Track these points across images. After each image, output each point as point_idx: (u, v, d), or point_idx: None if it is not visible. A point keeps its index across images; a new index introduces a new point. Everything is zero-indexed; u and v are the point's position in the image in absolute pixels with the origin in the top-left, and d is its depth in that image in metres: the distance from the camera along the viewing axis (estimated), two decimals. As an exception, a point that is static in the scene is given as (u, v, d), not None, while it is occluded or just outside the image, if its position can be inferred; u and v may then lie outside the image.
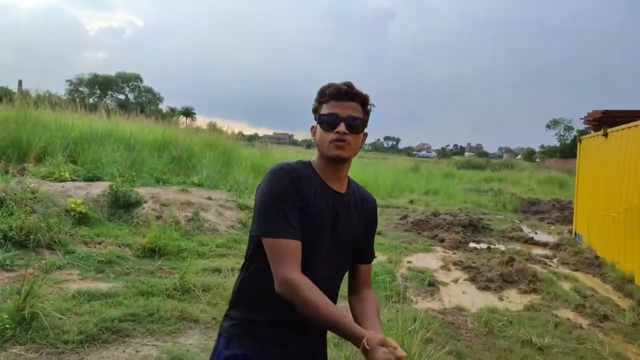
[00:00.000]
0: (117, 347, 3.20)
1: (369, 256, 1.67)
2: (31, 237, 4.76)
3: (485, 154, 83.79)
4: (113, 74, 73.88)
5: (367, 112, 1.55)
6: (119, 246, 5.43)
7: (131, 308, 3.73)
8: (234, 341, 1.46)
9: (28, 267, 4.19)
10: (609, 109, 8.27)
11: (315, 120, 1.54)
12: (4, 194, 5.79)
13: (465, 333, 4.32)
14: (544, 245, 9.60)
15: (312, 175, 1.51)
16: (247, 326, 1.47)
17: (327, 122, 1.48)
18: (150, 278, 4.59)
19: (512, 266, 6.80)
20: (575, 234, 9.85)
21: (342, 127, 1.45)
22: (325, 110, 1.50)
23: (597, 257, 7.81)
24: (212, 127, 16.94)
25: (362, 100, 1.52)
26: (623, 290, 6.21)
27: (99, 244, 5.43)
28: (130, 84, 75.72)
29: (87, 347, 3.11)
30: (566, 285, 6.34)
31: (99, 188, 7.07)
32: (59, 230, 5.15)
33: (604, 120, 8.14)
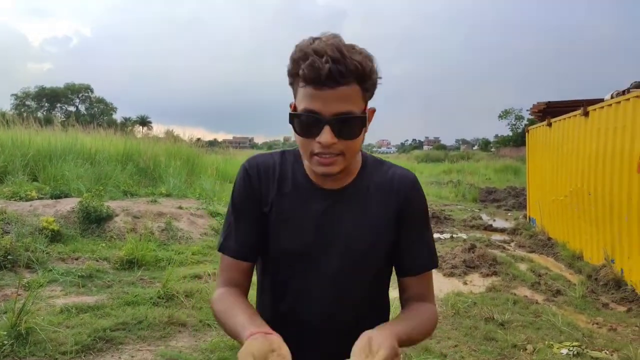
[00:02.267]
0: (112, 355, 3.36)
1: (415, 265, 1.17)
2: (9, 257, 4.79)
3: (443, 147, 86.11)
4: (61, 85, 71.51)
5: (369, 89, 1.02)
6: (97, 260, 5.50)
7: (120, 317, 3.88)
8: None
9: (10, 287, 4.27)
10: (551, 100, 8.95)
11: (290, 111, 1.04)
12: (-29, 217, 5.75)
13: (447, 327, 4.69)
14: (502, 231, 10.23)
15: (292, 169, 1.15)
16: None
17: (303, 126, 1.00)
18: (133, 288, 4.73)
19: (473, 252, 7.26)
20: (529, 218, 10.53)
21: (326, 136, 0.97)
22: (301, 99, 0.99)
23: (549, 239, 8.45)
24: (171, 135, 16.90)
25: (360, 76, 0.97)
26: (573, 267, 6.79)
27: (76, 259, 5.49)
28: (80, 95, 73.44)
29: (84, 357, 3.26)
30: (523, 266, 6.86)
31: (67, 204, 7.06)
32: (35, 249, 5.19)
33: (547, 111, 8.81)
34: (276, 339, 0.91)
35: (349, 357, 0.93)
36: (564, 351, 3.77)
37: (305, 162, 1.13)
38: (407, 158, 48.66)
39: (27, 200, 7.31)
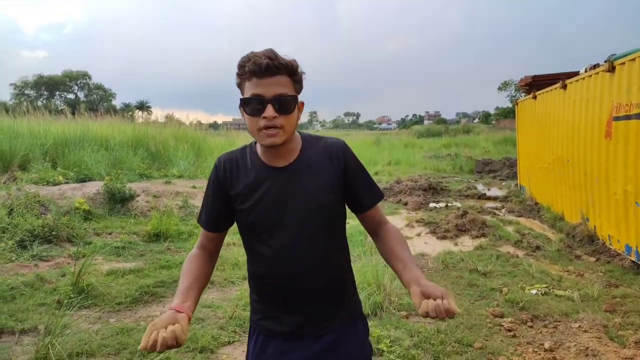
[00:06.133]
0: (157, 305, 4.08)
1: (365, 203, 1.51)
2: (53, 233, 5.48)
3: (443, 121, 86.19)
4: (59, 73, 71.59)
5: (298, 82, 1.37)
6: (128, 234, 6.20)
7: (158, 277, 4.59)
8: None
9: (60, 257, 4.99)
10: (537, 73, 9.50)
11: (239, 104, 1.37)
12: (10, 201, 6.43)
13: (427, 270, 5.39)
14: (495, 199, 10.89)
15: (249, 159, 1.45)
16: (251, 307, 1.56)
17: (251, 107, 1.32)
18: (164, 256, 5.43)
19: (465, 218, 7.94)
20: (520, 186, 11.18)
21: (269, 111, 1.29)
22: (247, 90, 1.33)
23: (536, 204, 9.12)
24: (172, 119, 17.46)
25: (290, 71, 1.33)
26: (555, 227, 7.47)
27: (109, 234, 6.19)
28: (78, 82, 73.51)
29: (135, 307, 3.98)
30: (510, 228, 7.54)
31: (93, 187, 7.73)
32: (73, 226, 5.87)
33: (533, 84, 9.38)
34: (181, 317, 1.22)
35: (324, 316, 1.43)
36: (534, 291, 4.46)
37: (258, 148, 1.45)
38: (407, 133, 48.97)
39: (54, 185, 7.99)
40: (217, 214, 1.49)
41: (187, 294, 1.34)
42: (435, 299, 1.21)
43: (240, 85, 1.36)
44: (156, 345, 1.14)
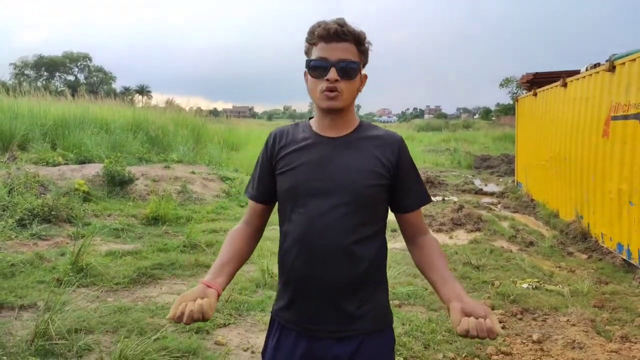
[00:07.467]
0: (154, 286, 4.14)
1: (409, 203, 1.46)
2: (52, 213, 5.53)
3: (444, 116, 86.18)
4: (59, 54, 71.14)
5: (363, 52, 1.38)
6: (126, 217, 6.26)
7: (156, 260, 4.66)
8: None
9: (59, 236, 5.04)
10: (538, 71, 9.52)
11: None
12: (10, 180, 6.46)
13: (421, 262, 5.46)
14: (491, 194, 10.98)
15: (301, 130, 1.47)
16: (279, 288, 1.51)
17: (315, 69, 1.34)
18: (161, 239, 5.49)
19: (461, 212, 8.02)
20: (517, 182, 11.26)
21: (332, 74, 1.31)
22: (314, 54, 1.35)
23: (532, 200, 9.20)
24: (172, 104, 17.46)
25: (357, 39, 1.35)
26: (549, 224, 7.56)
27: (108, 216, 6.25)
28: (79, 64, 73.08)
29: (132, 287, 4.04)
30: (505, 224, 7.62)
31: (92, 169, 7.77)
32: (72, 206, 5.92)
33: (534, 82, 9.39)
34: (210, 292, 1.23)
35: (342, 315, 1.35)
36: (525, 285, 4.54)
37: (312, 122, 1.46)
38: (407, 127, 49.06)
39: (54, 166, 8.02)
40: (264, 185, 1.48)
41: (221, 270, 1.35)
42: (477, 317, 1.16)
43: (307, 52, 1.39)
44: (183, 317, 1.16)
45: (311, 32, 1.35)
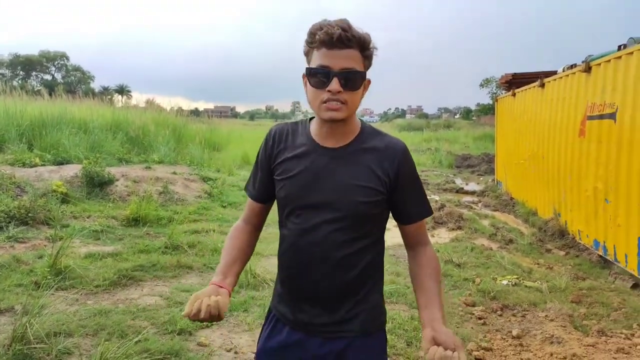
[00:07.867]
0: (135, 288, 4.09)
1: (410, 215, 1.41)
2: (29, 215, 5.41)
3: (425, 116, 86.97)
4: (35, 53, 69.70)
5: (368, 58, 1.29)
6: (106, 218, 6.16)
7: (136, 261, 4.59)
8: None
9: (36, 239, 4.94)
10: (517, 71, 9.69)
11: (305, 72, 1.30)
12: (-16, 182, 6.30)
13: (403, 260, 5.51)
14: (472, 193, 11.12)
15: (300, 134, 1.41)
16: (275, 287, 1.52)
17: (316, 78, 1.25)
18: (142, 240, 5.41)
19: (442, 211, 8.11)
20: (497, 181, 11.43)
21: (335, 85, 1.23)
22: (314, 60, 1.26)
23: (512, 199, 9.35)
24: (153, 104, 17.25)
25: (361, 45, 1.25)
26: (528, 221, 7.70)
27: (87, 217, 6.14)
28: (55, 63, 71.69)
29: (113, 289, 3.98)
30: (485, 222, 7.73)
31: (71, 170, 7.63)
32: (50, 208, 5.80)
33: (513, 82, 9.56)
34: (222, 291, 1.25)
35: (335, 317, 1.35)
36: (505, 282, 4.62)
37: (312, 125, 1.40)
38: (389, 127, 49.37)
39: (31, 167, 7.85)
40: (264, 185, 1.46)
41: (228, 271, 1.35)
42: (445, 349, 1.14)
43: (307, 54, 1.30)
44: (199, 313, 1.16)
45: (312, 34, 1.25)
